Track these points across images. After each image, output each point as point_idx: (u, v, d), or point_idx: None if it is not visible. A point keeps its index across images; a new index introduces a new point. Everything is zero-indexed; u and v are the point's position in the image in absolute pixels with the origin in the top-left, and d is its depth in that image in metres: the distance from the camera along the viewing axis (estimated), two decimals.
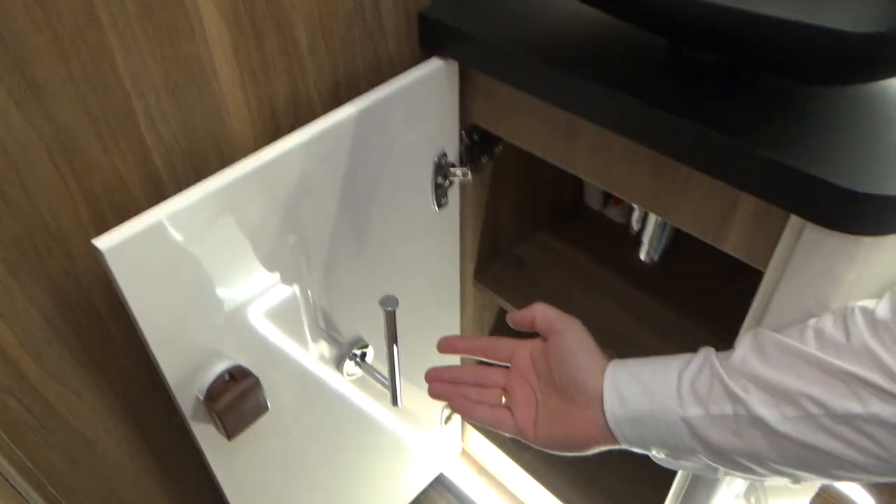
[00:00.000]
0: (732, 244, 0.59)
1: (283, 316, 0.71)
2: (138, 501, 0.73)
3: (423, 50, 0.71)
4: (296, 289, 0.70)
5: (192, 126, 0.57)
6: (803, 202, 0.49)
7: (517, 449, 1.16)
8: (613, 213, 1.10)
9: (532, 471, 1.13)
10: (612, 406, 0.49)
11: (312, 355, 0.78)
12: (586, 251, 1.04)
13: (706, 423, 0.47)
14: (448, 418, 1.14)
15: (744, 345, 0.49)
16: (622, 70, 0.60)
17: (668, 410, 0.48)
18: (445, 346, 0.58)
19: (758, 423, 0.44)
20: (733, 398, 0.45)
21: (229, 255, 0.61)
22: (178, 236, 0.55)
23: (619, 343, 0.90)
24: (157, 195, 0.58)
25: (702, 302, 0.91)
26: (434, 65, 0.70)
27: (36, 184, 0.50)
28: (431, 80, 0.70)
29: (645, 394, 0.48)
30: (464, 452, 1.27)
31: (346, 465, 0.98)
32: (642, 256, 0.81)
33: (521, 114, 0.70)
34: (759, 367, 0.45)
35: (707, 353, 0.50)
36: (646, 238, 0.78)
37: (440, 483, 1.25)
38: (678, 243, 0.84)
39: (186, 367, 0.62)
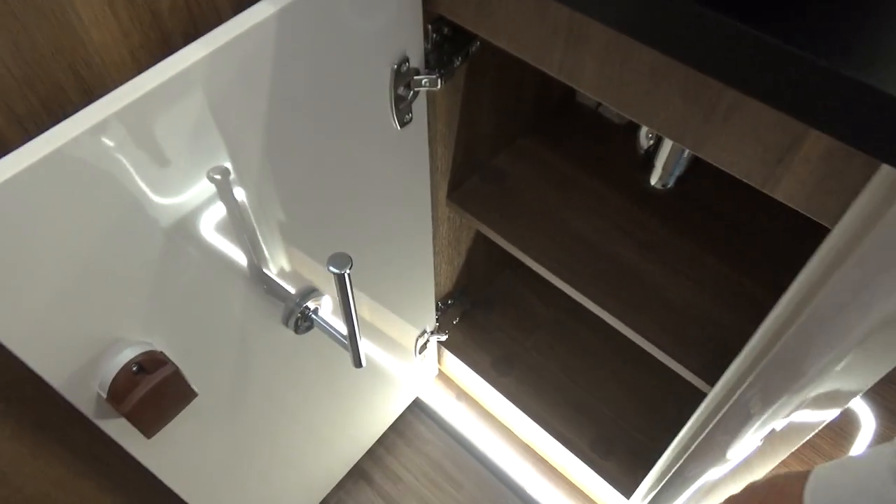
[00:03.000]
0: (786, 191, 0.45)
1: (208, 276, 0.56)
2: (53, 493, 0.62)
3: None
4: (226, 241, 0.55)
5: (28, 46, 0.38)
6: None
7: (497, 374, 1.06)
8: (611, 113, 0.93)
9: (513, 397, 1.05)
10: None
11: (253, 316, 0.64)
12: (579, 160, 0.88)
13: None
14: (423, 346, 1.03)
15: None
16: None
17: None
18: None
19: None
20: None
21: (118, 213, 0.45)
22: (23, 206, 0.39)
23: (619, 274, 0.77)
24: None
25: (722, 231, 0.77)
26: None
27: None
28: None
29: None
30: (441, 375, 1.18)
31: (313, 414, 0.88)
32: (653, 182, 0.66)
33: (505, 7, 0.52)
34: None
35: None
36: (659, 162, 0.63)
37: (417, 406, 1.17)
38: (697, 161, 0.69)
39: (75, 364, 0.48)
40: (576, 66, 0.51)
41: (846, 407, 0.88)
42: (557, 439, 1.00)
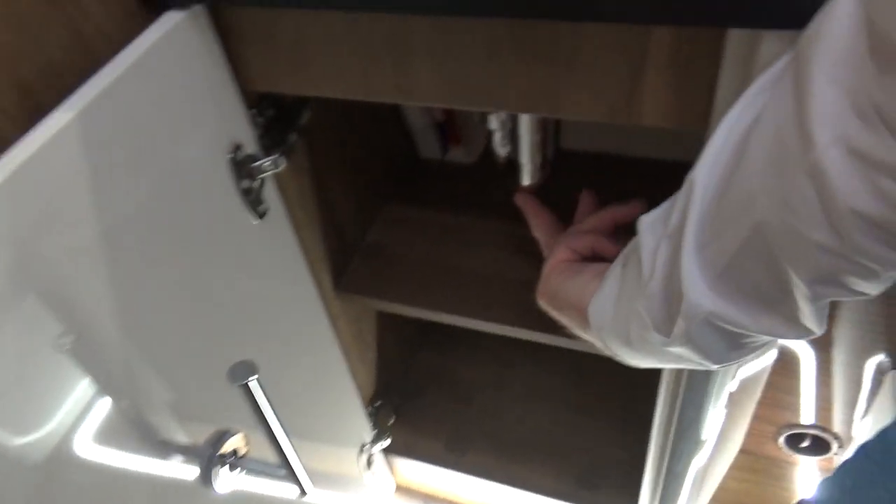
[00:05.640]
0: (652, 113, 0.45)
1: (94, 467, 0.46)
2: None
3: (147, 5, 0.48)
4: (102, 416, 0.46)
5: None
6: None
7: (455, 457, 0.98)
8: (458, 155, 0.94)
9: (481, 472, 0.96)
10: None
11: (165, 495, 0.53)
12: (448, 207, 0.87)
13: None
14: (369, 461, 0.94)
15: None
16: None
17: None
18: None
19: None
20: None
21: None
22: None
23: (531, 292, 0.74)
24: None
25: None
26: (170, 22, 0.47)
27: None
28: (173, 45, 0.48)
29: None
30: (399, 488, 1.07)
31: None
32: (526, 182, 0.65)
33: (319, 50, 0.50)
34: None
35: None
36: (524, 157, 0.63)
37: None
38: (559, 151, 0.69)
39: None
40: (411, 79, 0.49)
41: (779, 346, 0.89)
42: (543, 493, 0.92)
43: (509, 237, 0.81)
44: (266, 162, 0.58)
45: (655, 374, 0.68)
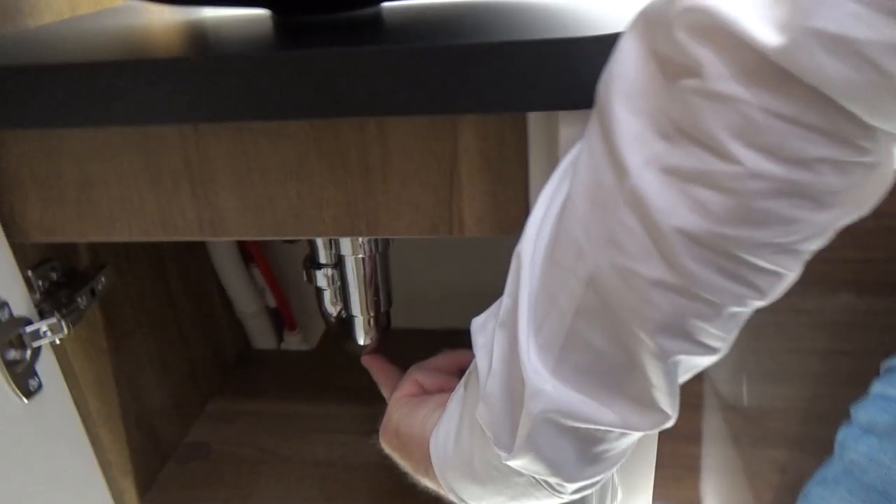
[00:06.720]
0: (474, 222, 0.43)
1: None
2: None
3: None
4: None
5: None
6: (538, 85, 0.35)
7: None
8: (294, 342, 0.87)
9: None
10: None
11: None
12: (284, 397, 0.78)
13: None
14: None
15: None
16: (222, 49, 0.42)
17: None
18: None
19: None
20: None
21: None
22: None
23: (381, 474, 0.65)
24: None
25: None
26: None
27: None
28: None
29: None
30: None
31: None
32: (362, 339, 0.60)
33: (109, 189, 0.45)
34: None
35: None
36: (355, 309, 0.58)
37: None
38: (392, 331, 0.65)
39: None
40: (215, 210, 0.45)
41: None
42: None
43: (353, 420, 0.74)
44: (42, 326, 0.49)
45: None
